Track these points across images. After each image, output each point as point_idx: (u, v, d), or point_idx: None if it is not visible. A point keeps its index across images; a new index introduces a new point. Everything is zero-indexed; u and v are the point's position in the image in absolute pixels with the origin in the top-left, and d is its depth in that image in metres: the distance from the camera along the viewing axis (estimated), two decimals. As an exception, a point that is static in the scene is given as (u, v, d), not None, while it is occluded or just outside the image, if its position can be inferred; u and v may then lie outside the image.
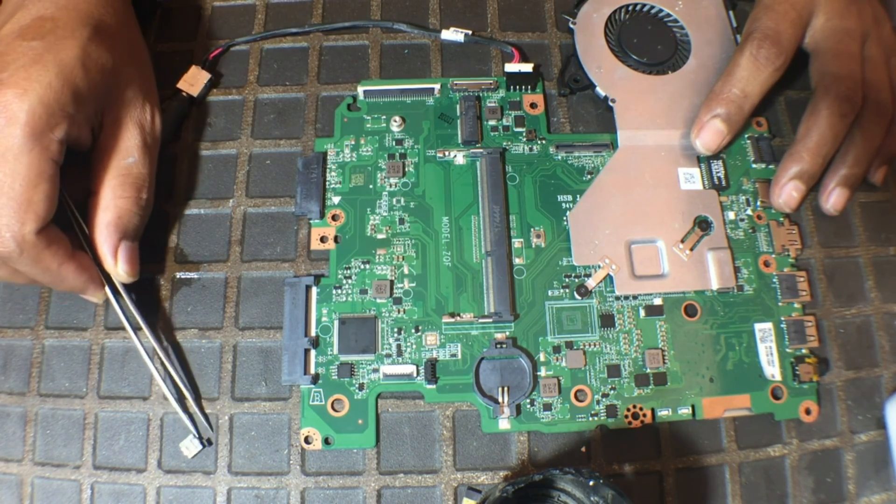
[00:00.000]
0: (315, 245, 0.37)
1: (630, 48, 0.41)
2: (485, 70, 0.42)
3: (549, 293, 0.37)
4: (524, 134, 0.40)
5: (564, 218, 0.38)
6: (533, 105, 0.41)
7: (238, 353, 0.36)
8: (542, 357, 0.35)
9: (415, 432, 0.35)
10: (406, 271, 0.37)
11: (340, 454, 0.34)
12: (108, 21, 0.34)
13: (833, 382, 0.37)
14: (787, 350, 0.36)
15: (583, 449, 0.35)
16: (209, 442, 0.34)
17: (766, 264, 0.38)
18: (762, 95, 0.37)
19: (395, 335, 0.36)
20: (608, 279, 0.37)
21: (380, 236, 0.37)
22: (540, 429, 0.34)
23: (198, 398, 0.35)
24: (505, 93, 0.41)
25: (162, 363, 0.35)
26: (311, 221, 0.38)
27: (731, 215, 0.39)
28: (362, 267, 0.37)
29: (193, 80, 0.40)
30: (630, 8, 0.42)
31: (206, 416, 0.35)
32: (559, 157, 0.39)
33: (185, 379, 0.35)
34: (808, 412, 0.36)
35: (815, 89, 0.38)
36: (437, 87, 0.40)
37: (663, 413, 0.35)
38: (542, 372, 0.35)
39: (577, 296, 0.36)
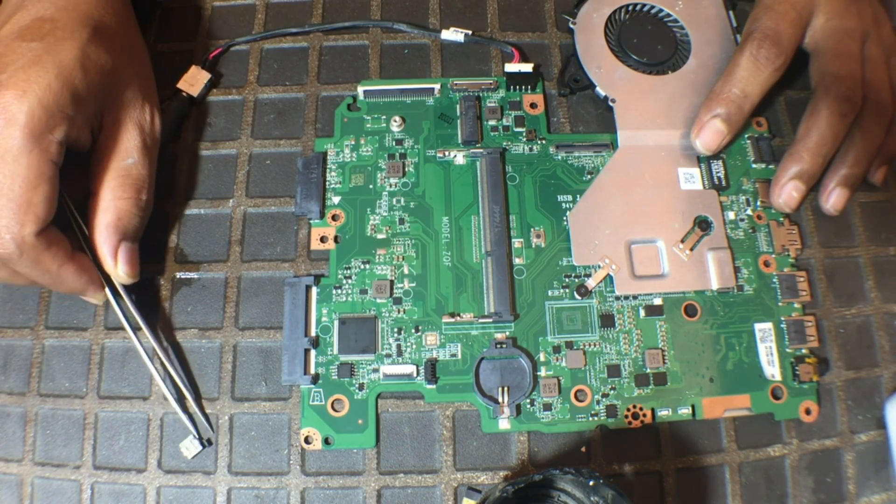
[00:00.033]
0: (315, 245, 0.37)
1: (630, 48, 0.41)
2: (485, 70, 0.42)
3: (549, 293, 0.37)
4: (524, 134, 0.40)
5: (564, 218, 0.38)
6: (533, 105, 0.40)
7: (238, 353, 0.36)
8: (542, 357, 0.35)
9: (415, 432, 0.35)
10: (406, 271, 0.37)
11: (340, 454, 0.34)
12: (108, 22, 0.34)
13: (833, 382, 0.37)
14: (787, 350, 0.36)
15: (583, 449, 0.35)
16: (209, 442, 0.35)
17: (766, 264, 0.38)
18: (762, 95, 0.37)
19: (395, 335, 0.36)
20: (608, 279, 0.37)
21: (380, 236, 0.37)
22: (540, 429, 0.34)
23: (198, 398, 0.35)
24: (505, 93, 0.41)
25: (162, 363, 0.35)
26: (311, 221, 0.38)
27: (731, 215, 0.39)
28: (362, 267, 0.37)
29: (193, 80, 0.40)
30: (630, 8, 0.42)
31: (206, 416, 0.35)
32: (559, 157, 0.39)
33: (185, 379, 0.35)
34: (808, 412, 0.36)
35: (815, 89, 0.38)
36: (437, 87, 0.40)
37: (663, 413, 0.35)
38: (542, 372, 0.35)
39: (577, 296, 0.36)
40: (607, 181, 0.38)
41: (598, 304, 0.36)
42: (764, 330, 0.36)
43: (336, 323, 0.36)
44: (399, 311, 0.36)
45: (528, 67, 0.40)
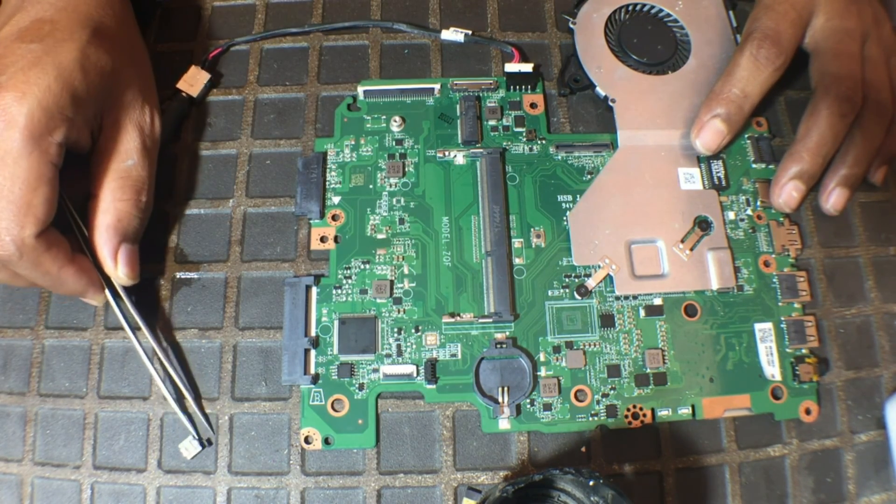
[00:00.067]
0: (315, 245, 0.37)
1: (630, 48, 0.41)
2: (485, 70, 0.42)
3: (549, 293, 0.37)
4: (524, 134, 0.40)
5: (564, 218, 0.38)
6: (533, 105, 0.40)
7: (238, 353, 0.36)
8: (542, 357, 0.35)
9: (415, 432, 0.35)
10: (406, 271, 0.37)
11: (340, 454, 0.34)
12: (108, 23, 0.34)
13: (833, 382, 0.37)
14: (787, 350, 0.36)
15: (583, 449, 0.35)
16: (209, 442, 0.35)
17: (766, 264, 0.38)
18: (762, 95, 0.37)
19: (395, 335, 0.36)
20: (608, 279, 0.37)
21: (380, 236, 0.37)
22: (540, 429, 0.35)
23: (198, 398, 0.35)
24: (505, 93, 0.41)
25: (162, 363, 0.35)
26: (311, 221, 0.38)
27: (731, 215, 0.39)
28: (362, 267, 0.37)
29: (193, 81, 0.40)
30: (630, 8, 0.42)
31: (206, 416, 0.35)
32: (559, 157, 0.39)
33: (185, 379, 0.35)
34: (808, 412, 0.36)
35: (815, 89, 0.38)
36: (437, 87, 0.40)
37: (663, 413, 0.35)
38: (542, 372, 0.35)
39: (577, 296, 0.36)
40: (607, 181, 0.38)
41: (598, 304, 0.36)
42: (764, 330, 0.36)
43: (336, 323, 0.36)
44: (399, 311, 0.36)
45: (528, 67, 0.40)
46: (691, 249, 0.37)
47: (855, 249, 0.39)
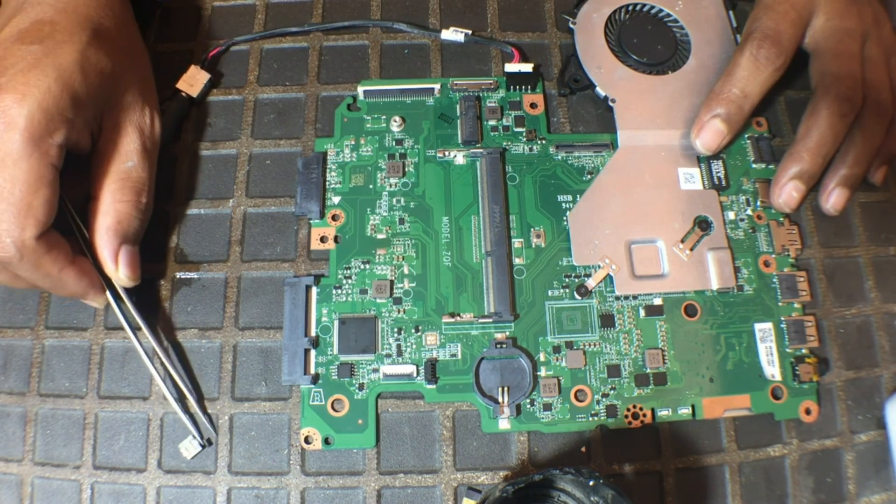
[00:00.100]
0: (315, 245, 0.37)
1: (630, 48, 0.41)
2: (485, 70, 0.42)
3: (549, 293, 0.37)
4: (524, 134, 0.40)
5: (564, 218, 0.38)
6: (533, 105, 0.40)
7: (238, 353, 0.36)
8: (542, 357, 0.35)
9: (415, 432, 0.35)
10: (406, 271, 0.37)
11: (340, 454, 0.34)
12: (108, 25, 0.34)
13: (833, 382, 0.37)
14: (787, 350, 0.36)
15: (583, 449, 0.35)
16: (209, 442, 0.35)
17: (766, 264, 0.38)
18: (762, 95, 0.37)
19: (395, 335, 0.36)
20: (608, 279, 0.37)
21: (380, 236, 0.37)
22: (540, 429, 0.35)
23: (199, 399, 0.35)
24: (505, 93, 0.41)
25: (162, 363, 0.35)
26: (311, 221, 0.38)
27: (731, 215, 0.38)
28: (362, 267, 0.37)
29: (193, 81, 0.40)
30: (630, 8, 0.42)
31: (206, 416, 0.35)
32: (559, 157, 0.39)
33: (186, 379, 0.35)
34: (808, 412, 0.36)
35: (815, 89, 0.38)
36: (437, 87, 0.40)
37: (663, 413, 0.35)
38: (542, 372, 0.35)
39: (577, 296, 0.37)
40: (607, 181, 0.38)
41: (598, 304, 0.36)
42: (764, 330, 0.36)
43: (336, 323, 0.36)
44: (399, 311, 0.36)
45: (528, 67, 0.40)
46: (691, 249, 0.37)
47: (855, 249, 0.39)
